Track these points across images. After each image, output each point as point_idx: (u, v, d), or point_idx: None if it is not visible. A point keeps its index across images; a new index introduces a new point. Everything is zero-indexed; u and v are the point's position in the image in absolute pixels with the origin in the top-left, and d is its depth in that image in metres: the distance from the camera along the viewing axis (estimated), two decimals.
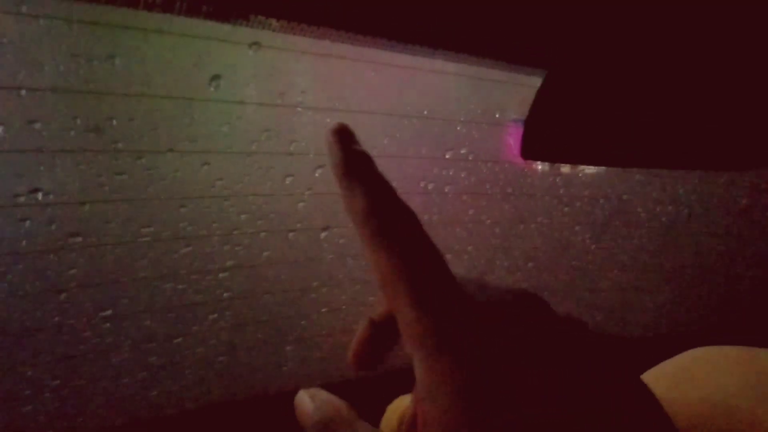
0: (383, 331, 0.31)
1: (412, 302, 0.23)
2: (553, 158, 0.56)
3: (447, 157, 1.28)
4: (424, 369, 0.23)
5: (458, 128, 1.27)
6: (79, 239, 0.96)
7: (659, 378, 0.49)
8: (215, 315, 1.19)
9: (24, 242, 0.92)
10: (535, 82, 0.49)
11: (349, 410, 0.28)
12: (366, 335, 0.32)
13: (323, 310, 1.33)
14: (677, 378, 0.48)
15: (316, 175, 1.14)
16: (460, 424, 0.21)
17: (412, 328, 0.23)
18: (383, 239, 0.25)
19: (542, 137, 0.51)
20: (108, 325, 1.07)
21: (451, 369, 0.22)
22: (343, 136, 0.27)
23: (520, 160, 1.40)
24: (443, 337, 0.23)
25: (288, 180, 1.11)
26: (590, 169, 1.52)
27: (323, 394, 0.29)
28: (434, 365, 0.22)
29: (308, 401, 0.28)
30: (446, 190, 1.33)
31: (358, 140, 0.28)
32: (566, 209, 1.57)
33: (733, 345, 0.48)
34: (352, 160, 0.27)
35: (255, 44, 0.93)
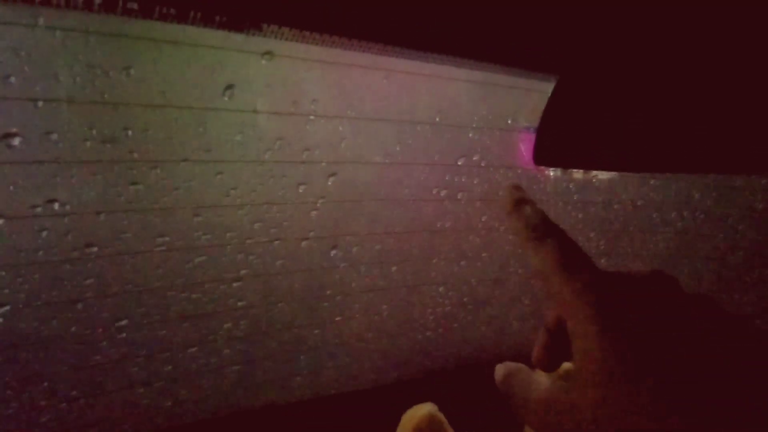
0: (557, 337, 0.39)
1: (563, 276, 0.32)
2: (565, 164, 0.56)
3: (459, 163, 1.28)
4: (575, 330, 0.31)
5: (470, 135, 1.27)
6: (95, 249, 0.97)
7: None
8: (229, 324, 1.19)
9: (41, 252, 0.93)
10: (547, 87, 0.49)
11: (525, 367, 0.37)
12: (545, 341, 0.39)
13: (337, 318, 1.33)
14: None
15: (329, 183, 1.14)
16: (606, 375, 0.28)
17: (564, 296, 0.32)
18: (542, 242, 0.35)
19: (554, 143, 0.50)
20: (123, 334, 1.08)
21: (596, 330, 0.29)
22: (514, 188, 0.41)
23: (532, 167, 1.40)
24: (587, 299, 0.30)
25: (301, 188, 1.11)
26: (604, 175, 1.51)
27: (510, 363, 0.38)
28: (581, 325, 0.30)
29: (500, 368, 0.38)
30: (459, 197, 1.33)
31: (522, 188, 0.41)
32: (580, 215, 1.56)
33: None
34: (518, 201, 0.39)
35: (268, 53, 0.93)
